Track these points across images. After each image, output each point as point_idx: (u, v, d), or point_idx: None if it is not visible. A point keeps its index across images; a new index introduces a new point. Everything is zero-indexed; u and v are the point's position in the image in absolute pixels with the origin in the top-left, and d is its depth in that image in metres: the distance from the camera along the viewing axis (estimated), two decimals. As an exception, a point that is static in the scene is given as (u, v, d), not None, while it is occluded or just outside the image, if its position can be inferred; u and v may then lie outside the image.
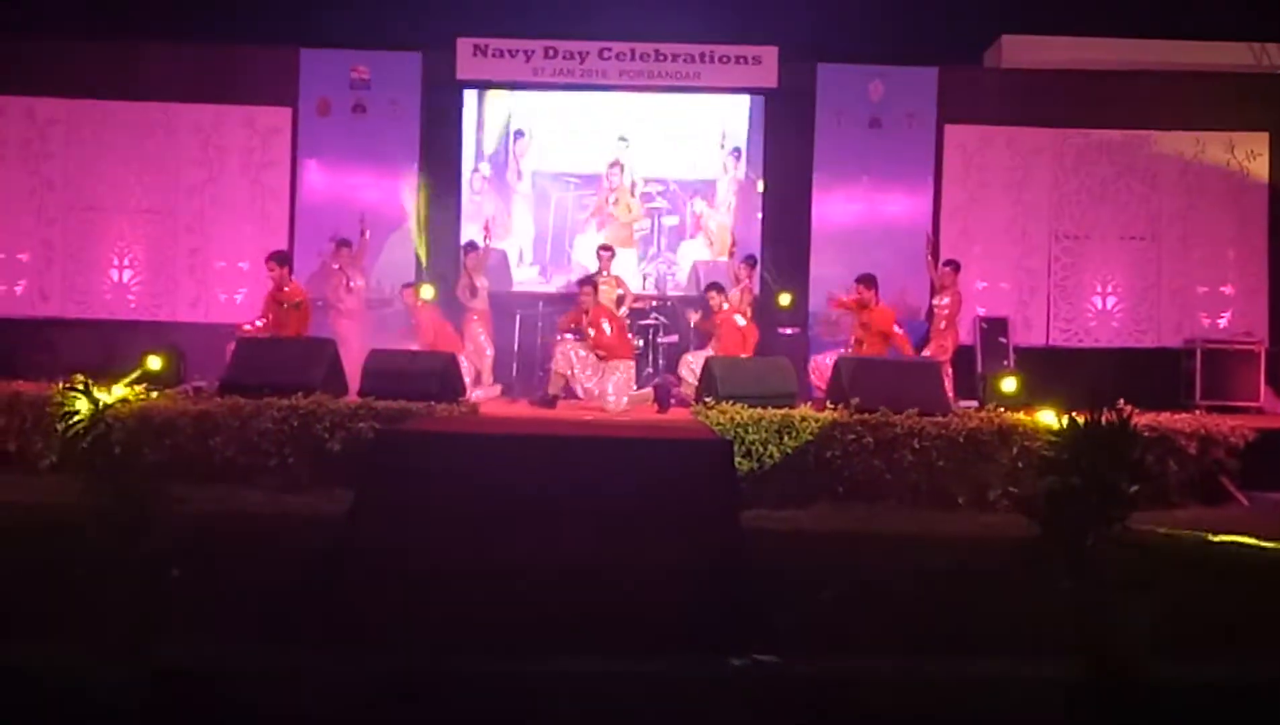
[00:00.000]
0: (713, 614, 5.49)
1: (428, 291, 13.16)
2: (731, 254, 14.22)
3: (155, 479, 4.96)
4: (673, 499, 6.16)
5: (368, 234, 13.24)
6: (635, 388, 11.93)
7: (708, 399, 10.08)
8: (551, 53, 14.40)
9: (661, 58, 14.38)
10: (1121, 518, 4.83)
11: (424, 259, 14.21)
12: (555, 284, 14.78)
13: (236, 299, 14.11)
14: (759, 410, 9.43)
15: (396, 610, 5.45)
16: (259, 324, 12.02)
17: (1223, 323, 14.37)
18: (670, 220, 15.20)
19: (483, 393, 12.23)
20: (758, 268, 13.75)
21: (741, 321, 12.49)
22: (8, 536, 7.04)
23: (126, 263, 14.31)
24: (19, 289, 14.28)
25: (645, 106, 14.98)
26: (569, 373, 11.70)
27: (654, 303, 14.10)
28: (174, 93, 14.29)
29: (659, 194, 15.11)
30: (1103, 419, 4.89)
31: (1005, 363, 13.06)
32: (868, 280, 12.25)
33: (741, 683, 4.94)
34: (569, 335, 12.16)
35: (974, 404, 11.06)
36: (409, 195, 14.36)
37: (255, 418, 9.18)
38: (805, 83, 14.47)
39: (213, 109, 14.32)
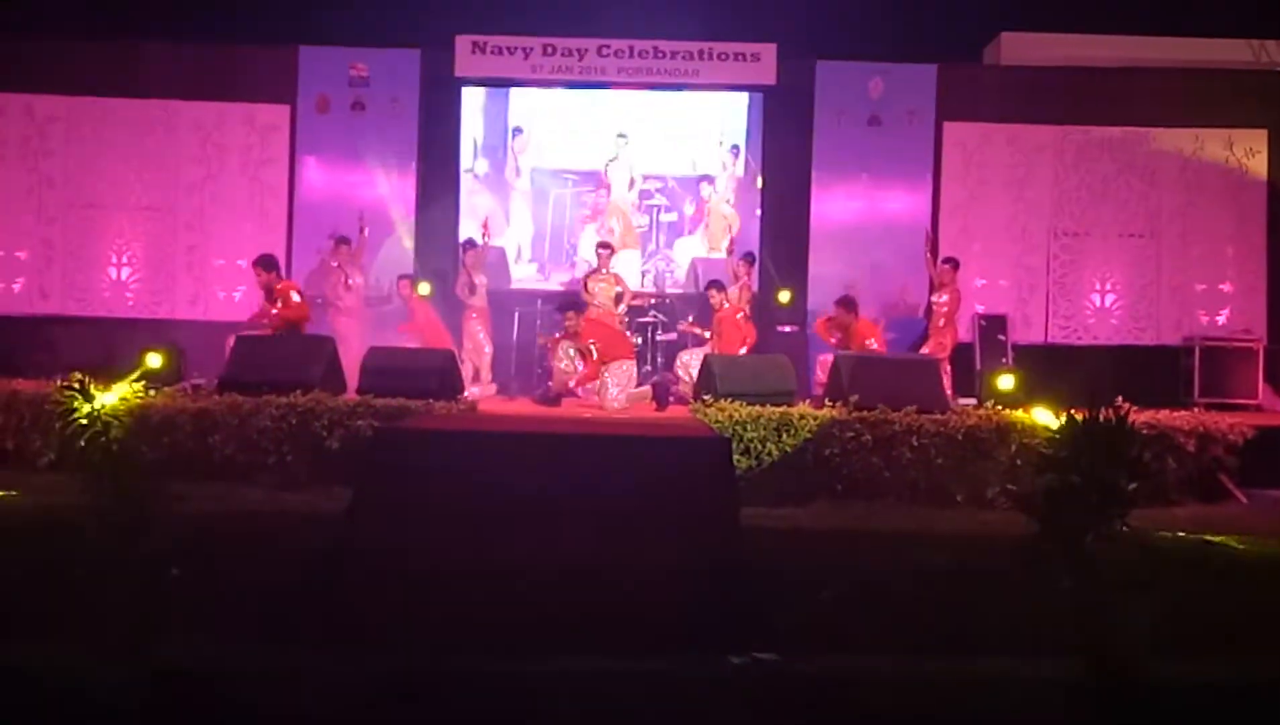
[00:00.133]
0: (711, 612, 5.49)
1: (424, 288, 13.16)
2: (730, 251, 14.21)
3: (154, 477, 4.96)
4: (671, 497, 6.15)
5: (366, 231, 13.25)
6: (635, 385, 11.92)
7: (706, 397, 10.08)
8: (550, 50, 14.39)
9: (660, 55, 14.37)
10: (1120, 516, 4.83)
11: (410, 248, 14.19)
12: (554, 281, 14.78)
13: (235, 296, 14.11)
14: (757, 408, 9.43)
15: (395, 609, 5.45)
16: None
17: (1221, 320, 14.38)
18: (669, 217, 15.20)
19: (479, 391, 12.22)
20: (756, 265, 13.75)
21: (741, 321, 12.50)
22: (6, 535, 7.04)
23: (125, 260, 14.31)
24: (18, 287, 14.29)
25: (644, 104, 14.98)
26: (572, 371, 11.71)
27: (652, 300, 14.10)
28: (173, 90, 14.29)
29: (657, 191, 15.12)
30: (1101, 417, 4.89)
31: (1004, 360, 13.06)
32: (846, 303, 12.25)
33: (741, 681, 4.94)
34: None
35: (973, 401, 11.06)
36: (408, 192, 14.35)
37: (254, 415, 9.18)
38: (804, 80, 14.47)
39: (212, 106, 14.33)
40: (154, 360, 10.19)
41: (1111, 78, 14.53)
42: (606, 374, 11.59)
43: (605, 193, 14.94)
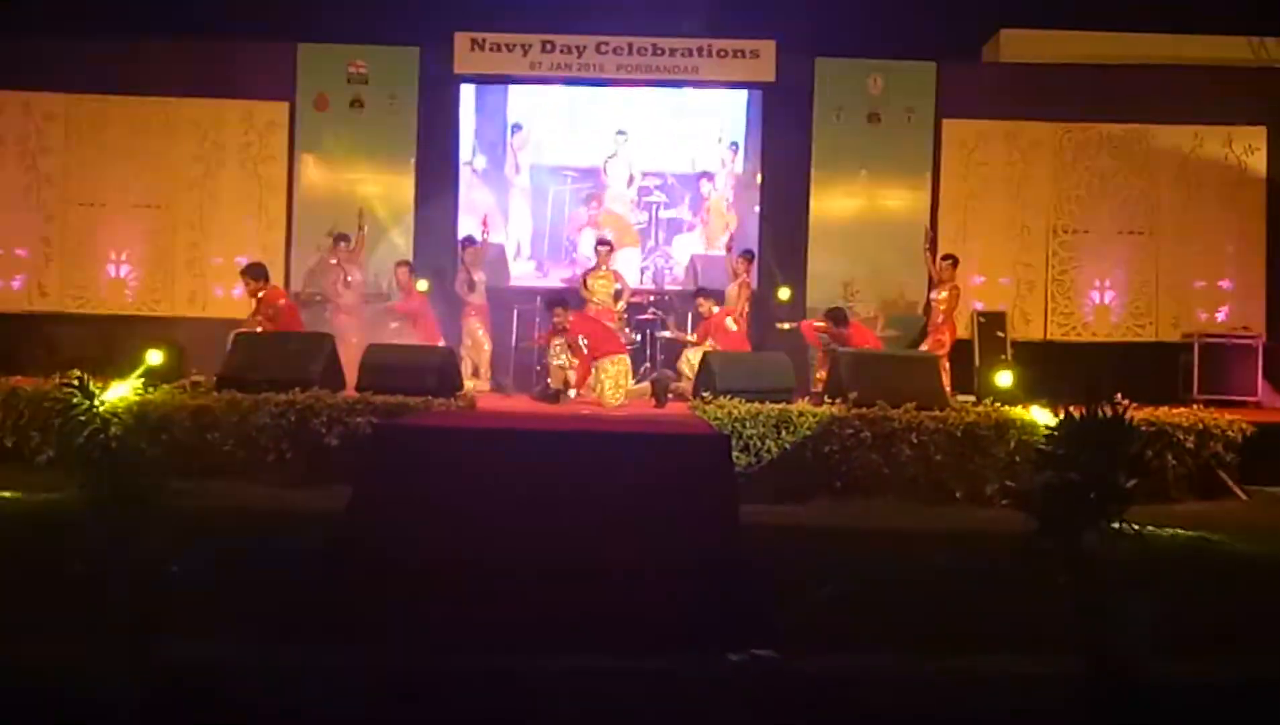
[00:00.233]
0: (711, 610, 5.49)
1: (422, 286, 13.18)
2: (729, 248, 14.20)
3: (153, 474, 4.95)
4: (671, 494, 6.15)
5: (366, 229, 13.25)
6: (633, 381, 11.91)
7: (705, 394, 10.09)
8: (549, 47, 14.38)
9: (659, 52, 14.36)
10: (1119, 513, 4.83)
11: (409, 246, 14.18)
12: (554, 278, 14.77)
13: (234, 294, 14.07)
14: (757, 405, 9.43)
15: (395, 606, 5.44)
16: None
17: (1220, 317, 14.37)
18: (668, 214, 15.20)
19: (472, 387, 12.21)
20: (755, 262, 13.74)
21: (733, 326, 12.42)
22: (5, 533, 7.04)
23: (124, 258, 14.30)
24: (17, 284, 14.27)
25: (643, 100, 14.98)
26: (566, 367, 11.69)
27: (651, 297, 14.09)
28: (172, 88, 14.28)
29: (657, 188, 15.11)
30: (1100, 413, 4.89)
31: (1003, 357, 13.07)
32: (836, 317, 12.21)
33: (740, 679, 4.94)
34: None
35: (971, 398, 11.07)
36: (406, 189, 14.34)
37: (253, 413, 9.18)
38: (804, 77, 14.46)
39: (211, 104, 14.32)
40: (155, 357, 10.19)
41: (1111, 75, 14.53)
42: (599, 370, 11.56)
43: (597, 203, 14.93)
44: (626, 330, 13.09)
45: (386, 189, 14.32)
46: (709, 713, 4.72)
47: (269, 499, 8.46)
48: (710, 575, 5.71)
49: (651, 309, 13.60)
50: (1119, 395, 6.58)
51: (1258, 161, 14.54)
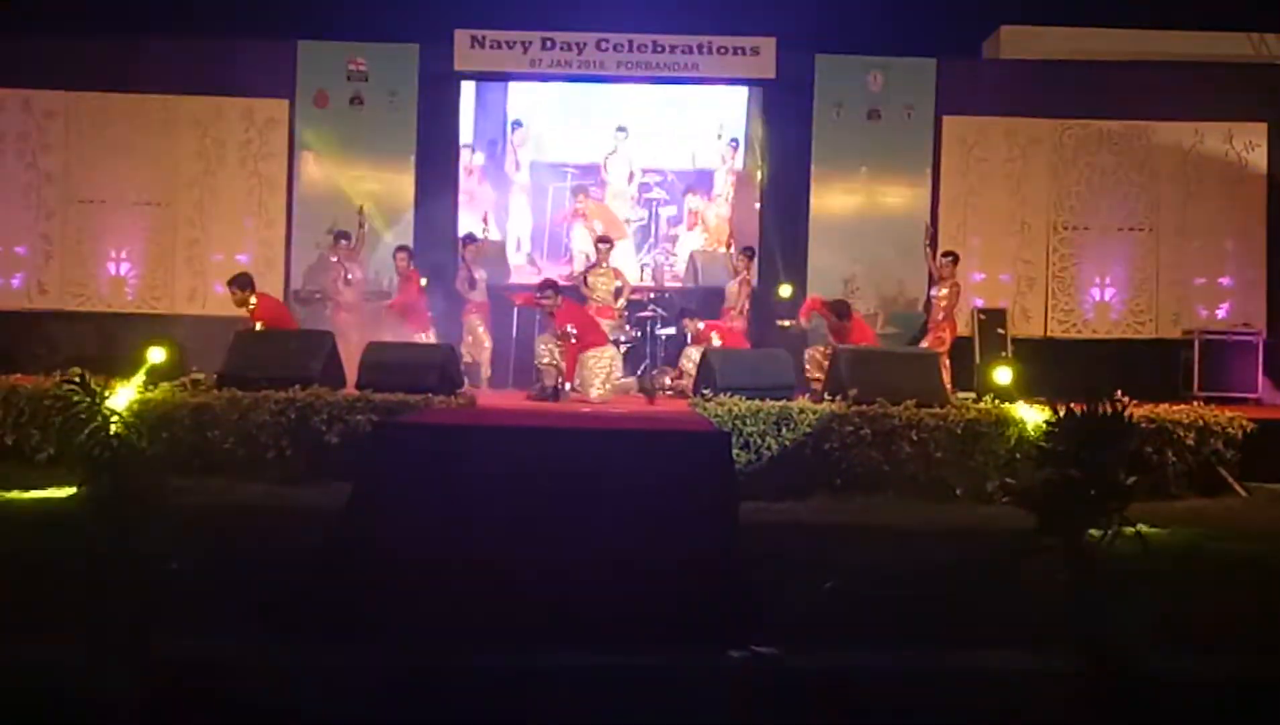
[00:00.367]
0: (711, 606, 5.49)
1: (421, 283, 13.19)
2: (729, 246, 14.20)
3: (153, 472, 4.96)
4: (671, 491, 6.15)
5: (366, 226, 13.24)
6: (620, 376, 11.88)
7: (705, 391, 10.09)
8: (549, 44, 14.37)
9: (659, 49, 14.34)
10: (1119, 509, 4.83)
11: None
12: (554, 276, 14.76)
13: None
14: (757, 402, 9.43)
15: (394, 604, 5.45)
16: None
17: (1221, 314, 14.37)
18: (668, 211, 15.21)
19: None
20: (756, 259, 13.74)
21: (718, 341, 12.34)
22: (4, 531, 7.04)
23: (124, 256, 14.29)
24: (16, 282, 14.27)
25: (643, 97, 14.98)
26: (557, 364, 11.63)
27: (651, 295, 14.09)
28: (172, 85, 14.27)
29: (657, 185, 15.13)
30: (1100, 410, 4.89)
31: (1003, 354, 13.06)
32: (839, 310, 12.17)
33: (740, 676, 4.94)
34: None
35: (972, 395, 11.06)
36: (406, 187, 14.34)
37: (253, 410, 9.18)
38: (804, 74, 14.44)
39: (211, 101, 14.31)
40: (157, 354, 10.19)
41: (1111, 71, 14.52)
42: (582, 363, 11.54)
43: (583, 195, 14.95)
44: (627, 327, 13.10)
45: (386, 186, 14.30)
46: (709, 710, 4.72)
47: (269, 497, 8.47)
48: (710, 572, 5.71)
49: (651, 306, 13.60)
50: (1119, 392, 6.55)
51: (1258, 158, 14.53)
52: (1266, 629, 5.49)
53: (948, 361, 12.36)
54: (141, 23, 14.49)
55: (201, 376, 10.04)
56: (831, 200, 14.48)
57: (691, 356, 12.45)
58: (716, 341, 12.27)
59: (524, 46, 14.36)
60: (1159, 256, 14.51)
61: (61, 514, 4.95)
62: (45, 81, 14.25)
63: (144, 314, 14.01)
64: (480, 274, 12.97)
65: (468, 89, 14.91)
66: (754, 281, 13.50)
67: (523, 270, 14.89)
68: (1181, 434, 9.48)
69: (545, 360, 11.52)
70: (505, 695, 4.71)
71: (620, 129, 14.96)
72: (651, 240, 15.18)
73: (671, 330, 13.35)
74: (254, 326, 11.76)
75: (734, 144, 15.16)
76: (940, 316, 12.70)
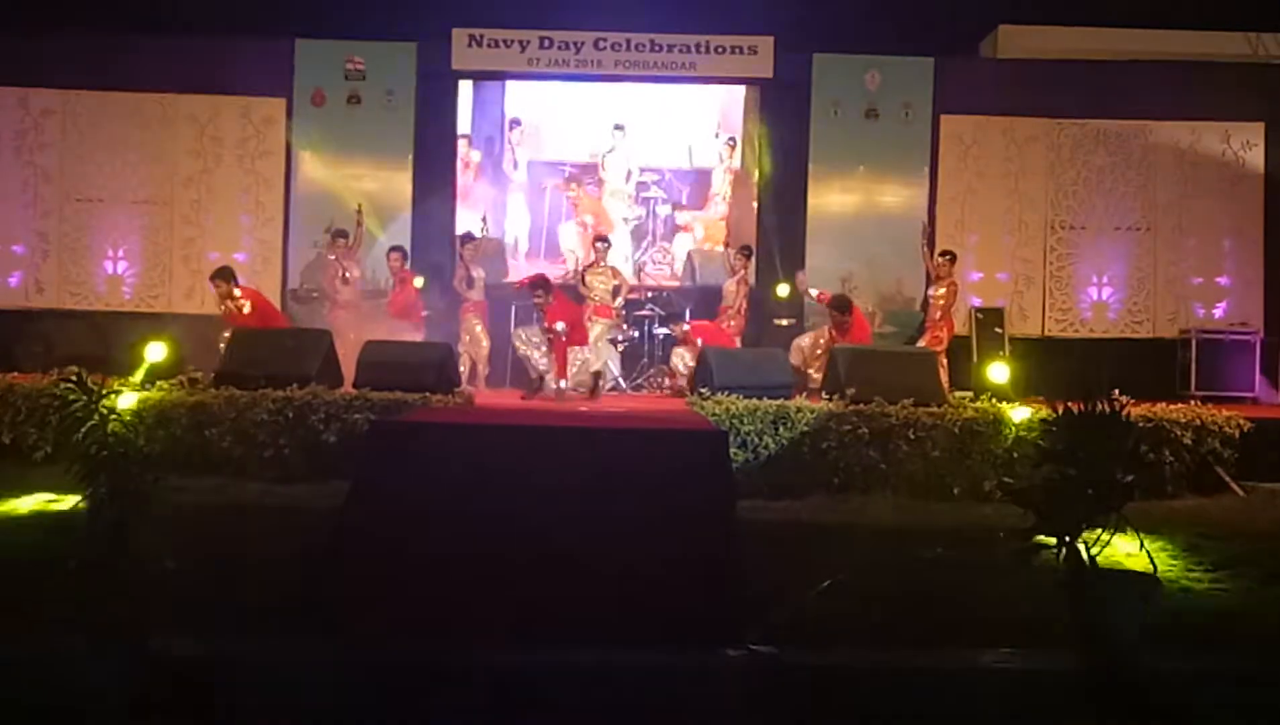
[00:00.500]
0: (709, 605, 5.49)
1: (418, 282, 13.18)
2: (727, 244, 14.20)
3: (151, 470, 4.95)
4: (668, 490, 6.15)
5: (364, 225, 13.23)
6: (576, 372, 11.95)
7: (703, 390, 10.09)
8: (547, 43, 14.36)
9: (657, 48, 14.34)
10: (1117, 508, 4.84)
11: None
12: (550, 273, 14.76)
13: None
14: (754, 401, 9.42)
15: (393, 602, 5.44)
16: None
17: (1218, 313, 14.38)
18: (665, 210, 15.21)
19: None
20: (753, 258, 13.74)
21: (700, 344, 12.29)
22: (4, 529, 7.04)
23: (121, 254, 14.29)
24: (14, 281, 14.27)
25: (641, 96, 14.98)
26: (530, 354, 11.77)
27: (649, 293, 14.09)
28: (169, 84, 14.27)
29: (654, 183, 15.12)
30: (1097, 409, 4.90)
31: (1000, 353, 13.06)
32: (841, 304, 12.17)
33: (738, 674, 4.94)
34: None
35: (969, 394, 11.07)
36: (404, 186, 14.33)
37: (251, 409, 9.17)
38: (801, 73, 14.45)
39: (208, 100, 14.31)
40: (157, 351, 10.19)
41: (1108, 71, 14.53)
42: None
43: (575, 185, 14.97)
44: (624, 326, 13.11)
45: (384, 185, 14.30)
46: (707, 708, 4.72)
47: (266, 495, 8.46)
48: (708, 571, 5.71)
49: (650, 306, 13.60)
50: (1116, 391, 6.58)
51: (1255, 157, 14.54)
52: (1263, 625, 5.50)
53: (945, 360, 12.35)
54: (139, 21, 14.47)
55: (199, 375, 10.03)
56: (829, 199, 14.47)
57: (683, 356, 12.46)
58: (699, 344, 12.22)
59: (521, 45, 14.36)
60: (1156, 256, 14.53)
61: (60, 513, 4.94)
62: (42, 80, 14.24)
63: (141, 312, 14.00)
64: (478, 273, 12.96)
65: (465, 88, 14.90)
66: (751, 281, 13.49)
67: (520, 269, 14.87)
68: (1179, 433, 9.48)
69: (522, 350, 11.66)
70: (503, 693, 4.70)
71: (618, 127, 14.96)
72: (649, 239, 15.17)
73: (670, 328, 13.36)
74: (239, 311, 11.80)
75: (731, 142, 15.16)
76: (938, 315, 12.69)
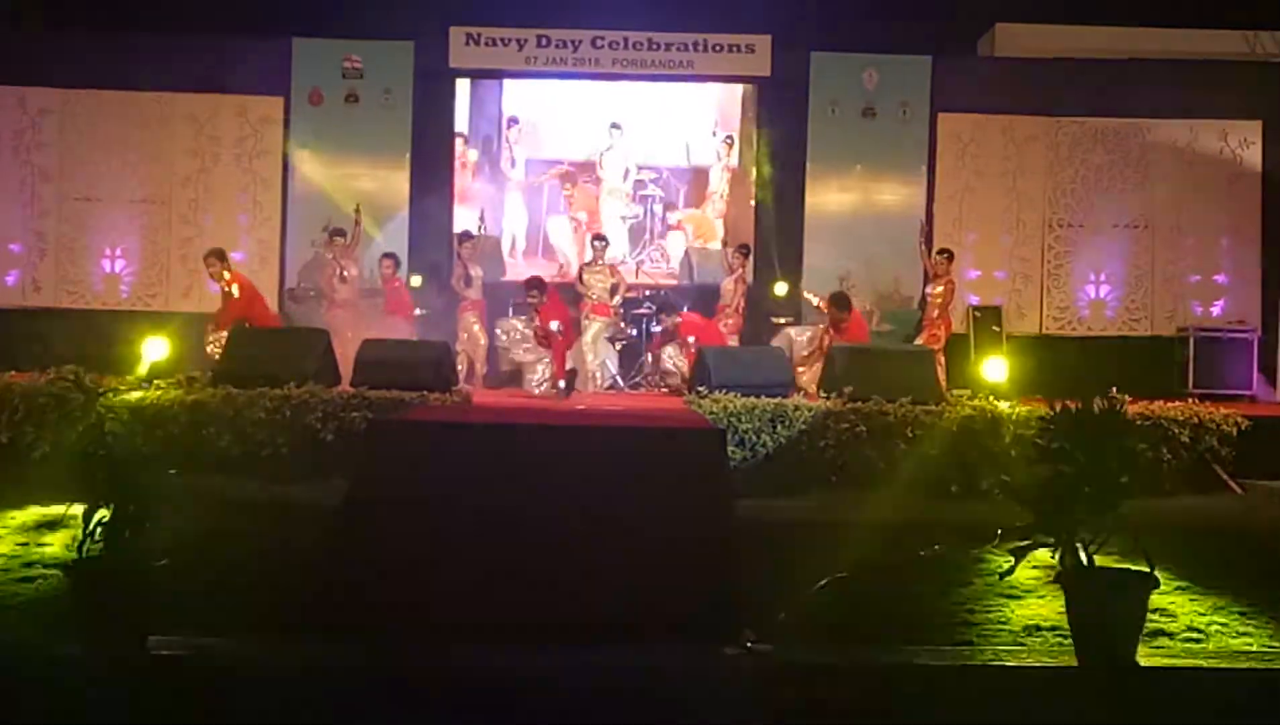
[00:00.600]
0: (706, 602, 5.49)
1: (416, 281, 13.16)
2: (725, 243, 14.19)
3: (148, 469, 4.96)
4: (666, 487, 6.16)
5: (362, 224, 13.23)
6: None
7: (701, 388, 10.09)
8: (544, 41, 14.36)
9: (655, 46, 14.33)
10: (1114, 506, 4.84)
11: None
12: (545, 272, 14.76)
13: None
14: (752, 399, 9.42)
15: (391, 600, 5.45)
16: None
17: (1215, 311, 14.38)
18: (662, 208, 15.21)
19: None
20: (751, 257, 13.74)
21: (692, 342, 12.28)
22: (2, 527, 7.04)
23: (119, 253, 14.27)
24: (11, 280, 14.25)
25: (639, 94, 14.98)
26: (511, 348, 11.86)
27: (647, 292, 14.09)
28: (166, 83, 14.24)
29: (652, 181, 15.12)
30: (1095, 408, 4.90)
31: (998, 351, 13.05)
32: (839, 302, 12.18)
33: (735, 671, 4.95)
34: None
35: (967, 393, 11.06)
36: (401, 184, 14.32)
37: (248, 408, 9.15)
38: (799, 71, 14.44)
39: (205, 99, 14.29)
40: (160, 347, 10.19)
41: (1106, 69, 14.52)
42: (540, 353, 11.62)
43: (570, 183, 14.99)
44: (622, 325, 13.11)
45: (381, 184, 14.29)
46: (704, 704, 4.73)
47: (264, 494, 8.45)
48: (706, 568, 5.72)
49: (647, 303, 13.60)
50: (1114, 389, 6.56)
51: (1253, 155, 14.54)
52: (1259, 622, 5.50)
53: (943, 359, 12.35)
54: (137, 20, 14.45)
55: (197, 374, 10.02)
56: (827, 198, 14.47)
57: (673, 356, 12.45)
58: (691, 342, 12.23)
59: (519, 44, 14.36)
60: (1154, 254, 14.52)
61: (57, 511, 4.94)
62: (40, 79, 14.21)
63: (139, 311, 13.98)
64: (476, 271, 12.96)
65: (463, 86, 14.90)
66: (749, 279, 13.49)
67: (518, 268, 14.87)
68: (1176, 431, 9.47)
69: (503, 341, 11.78)
70: (502, 692, 4.71)
71: (615, 126, 14.96)
72: (647, 237, 15.17)
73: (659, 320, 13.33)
74: (228, 292, 11.87)
75: (729, 141, 15.16)
76: (935, 314, 12.68)
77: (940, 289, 12.68)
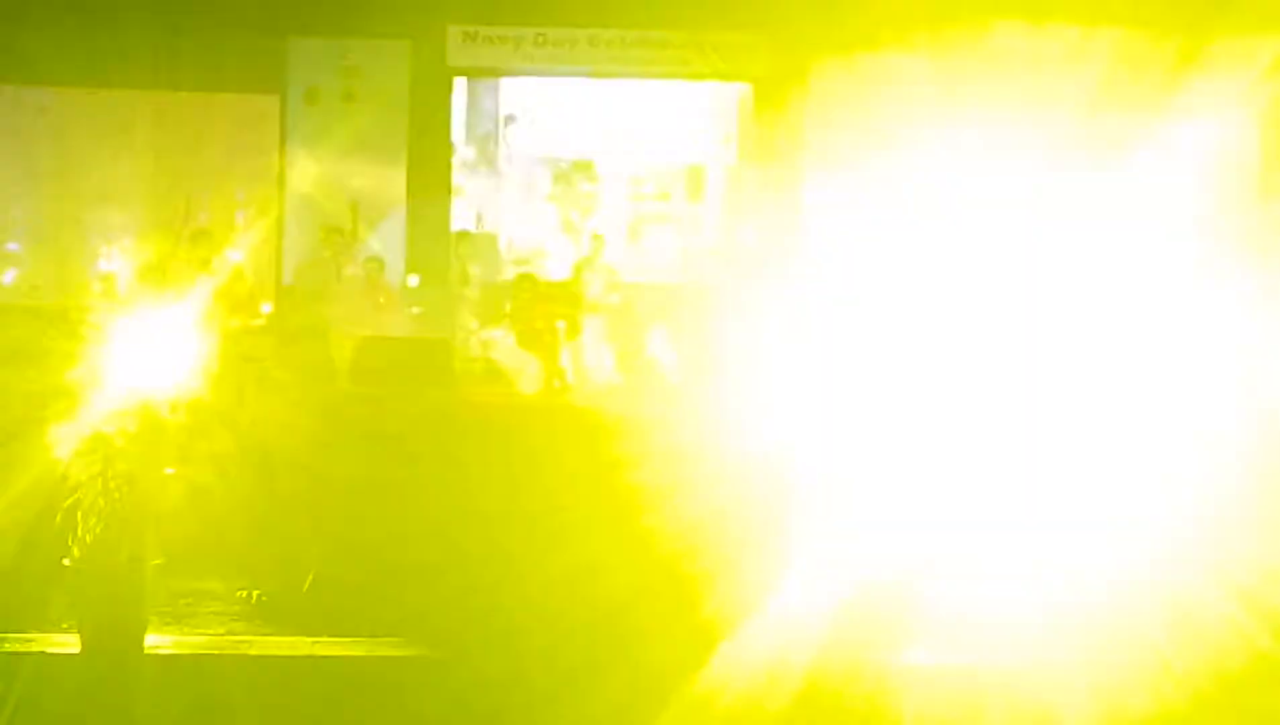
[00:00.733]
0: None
1: (413, 280, 13.16)
2: (723, 242, 14.18)
3: (144, 465, 4.96)
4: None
5: (359, 223, 13.22)
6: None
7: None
8: (542, 40, 14.35)
9: (652, 46, 14.33)
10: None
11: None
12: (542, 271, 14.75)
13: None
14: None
15: (390, 600, 5.45)
16: None
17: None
18: (659, 206, 15.19)
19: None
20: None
21: None
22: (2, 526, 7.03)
23: (115, 252, 14.24)
24: (7, 279, 14.23)
25: (636, 93, 14.96)
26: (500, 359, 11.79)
27: (645, 291, 14.06)
28: (162, 81, 14.20)
29: (649, 180, 15.10)
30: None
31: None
32: None
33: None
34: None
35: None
36: (399, 183, 14.31)
37: (245, 406, 9.13)
38: (797, 71, 14.42)
39: (201, 97, 14.25)
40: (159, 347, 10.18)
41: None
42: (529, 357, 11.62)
43: (567, 182, 14.97)
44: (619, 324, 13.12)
45: (379, 182, 14.27)
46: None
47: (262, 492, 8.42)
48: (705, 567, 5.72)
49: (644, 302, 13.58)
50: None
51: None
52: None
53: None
54: (132, 18, 14.41)
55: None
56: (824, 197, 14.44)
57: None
58: None
59: (517, 43, 14.35)
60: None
61: (56, 510, 4.93)
62: (36, 78, 14.18)
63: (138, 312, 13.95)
64: (475, 270, 12.95)
65: (460, 85, 14.88)
66: (748, 278, 13.47)
67: (515, 267, 14.85)
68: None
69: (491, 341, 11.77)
70: (502, 690, 4.71)
71: (614, 125, 14.94)
72: (643, 235, 15.16)
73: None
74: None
75: (727, 140, 15.15)
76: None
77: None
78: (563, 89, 14.99)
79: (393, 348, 10.87)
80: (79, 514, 4.86)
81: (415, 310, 13.20)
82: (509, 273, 12.51)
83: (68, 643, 4.54)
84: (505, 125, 15.03)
